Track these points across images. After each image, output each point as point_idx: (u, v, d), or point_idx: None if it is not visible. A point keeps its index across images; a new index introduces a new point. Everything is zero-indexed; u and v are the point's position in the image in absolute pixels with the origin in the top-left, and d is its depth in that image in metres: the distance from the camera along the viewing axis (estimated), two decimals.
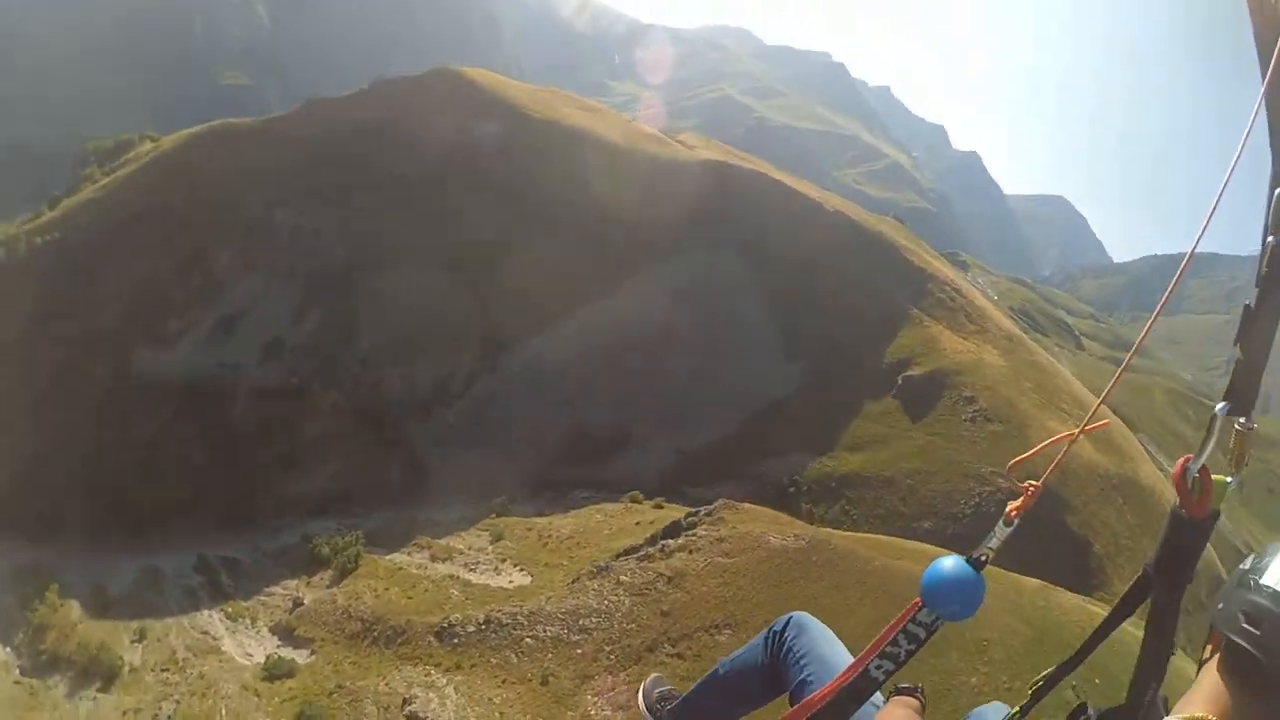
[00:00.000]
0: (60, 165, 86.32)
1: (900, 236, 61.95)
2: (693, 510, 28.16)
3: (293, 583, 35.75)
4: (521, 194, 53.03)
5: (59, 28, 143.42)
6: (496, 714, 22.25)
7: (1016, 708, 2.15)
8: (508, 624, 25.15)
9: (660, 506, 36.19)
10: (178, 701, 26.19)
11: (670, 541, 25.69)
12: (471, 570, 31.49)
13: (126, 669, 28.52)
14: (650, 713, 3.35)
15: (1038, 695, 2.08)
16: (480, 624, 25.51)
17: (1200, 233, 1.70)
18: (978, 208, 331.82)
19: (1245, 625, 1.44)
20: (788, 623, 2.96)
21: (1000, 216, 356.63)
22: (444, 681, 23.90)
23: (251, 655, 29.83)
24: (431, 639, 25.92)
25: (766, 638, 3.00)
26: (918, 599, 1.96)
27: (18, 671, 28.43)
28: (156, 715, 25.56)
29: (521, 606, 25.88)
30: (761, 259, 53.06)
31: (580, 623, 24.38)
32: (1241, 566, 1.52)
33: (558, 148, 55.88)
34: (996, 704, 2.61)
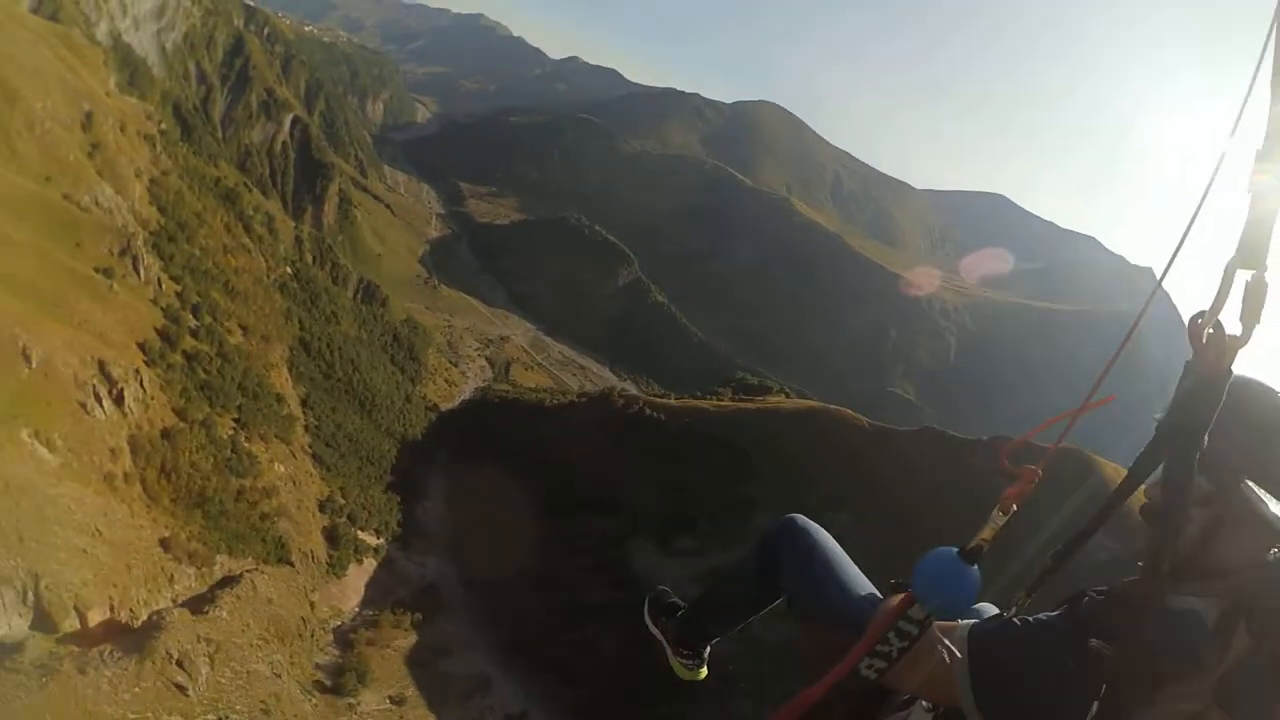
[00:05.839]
0: None
1: None
2: None
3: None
4: None
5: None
6: None
7: (1024, 591, 2.00)
8: None
9: None
10: None
11: None
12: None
13: None
14: (655, 626, 3.22)
15: (1047, 571, 1.95)
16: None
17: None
18: None
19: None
20: (785, 523, 2.70)
21: None
22: None
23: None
24: None
25: (765, 540, 2.74)
26: (909, 593, 1.80)
27: None
28: None
29: None
30: None
31: None
32: None
33: None
34: (984, 605, 2.41)
